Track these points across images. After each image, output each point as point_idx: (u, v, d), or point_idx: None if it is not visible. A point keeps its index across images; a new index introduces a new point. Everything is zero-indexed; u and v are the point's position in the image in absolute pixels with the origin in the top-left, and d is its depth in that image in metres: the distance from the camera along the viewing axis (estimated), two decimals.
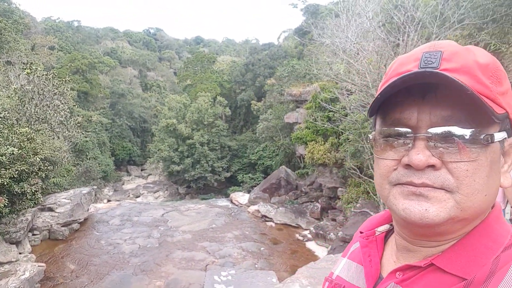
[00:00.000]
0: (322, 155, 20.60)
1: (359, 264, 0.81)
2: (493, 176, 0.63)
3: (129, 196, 30.26)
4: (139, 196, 30.53)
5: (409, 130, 0.64)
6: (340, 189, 21.18)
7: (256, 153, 30.90)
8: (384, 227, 0.83)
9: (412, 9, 13.78)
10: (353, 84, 15.39)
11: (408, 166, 0.64)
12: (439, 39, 13.65)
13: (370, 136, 0.74)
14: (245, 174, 30.63)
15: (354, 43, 14.88)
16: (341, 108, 16.94)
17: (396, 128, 0.66)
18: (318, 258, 17.63)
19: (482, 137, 0.60)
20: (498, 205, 0.69)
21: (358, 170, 16.73)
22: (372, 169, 15.12)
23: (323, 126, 19.53)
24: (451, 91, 0.61)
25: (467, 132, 0.60)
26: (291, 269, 16.61)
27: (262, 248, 18.32)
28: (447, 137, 0.61)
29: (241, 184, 29.63)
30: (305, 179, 24.93)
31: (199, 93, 32.42)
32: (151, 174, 36.94)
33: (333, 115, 18.51)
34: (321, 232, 19.32)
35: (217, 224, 20.96)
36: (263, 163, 30.11)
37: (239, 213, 23.24)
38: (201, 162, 29.64)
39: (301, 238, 19.97)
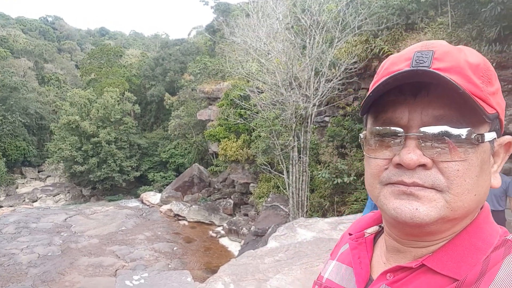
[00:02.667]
0: (234, 152, 20.90)
1: (349, 266, 0.80)
2: (483, 176, 0.63)
3: (24, 200, 27.42)
4: (36, 201, 27.80)
5: (400, 129, 0.64)
6: (252, 184, 21.73)
7: (168, 151, 30.17)
8: (373, 229, 0.81)
9: (317, 14, 14.64)
10: (264, 82, 15.86)
11: (399, 165, 0.63)
12: (340, 42, 14.77)
13: (361, 135, 0.73)
14: (156, 172, 29.73)
15: (265, 43, 15.32)
16: (252, 106, 17.36)
17: (387, 127, 0.65)
18: (232, 253, 17.95)
19: (473, 136, 0.61)
20: (486, 206, 0.70)
21: (269, 166, 17.31)
22: (282, 164, 15.81)
23: (235, 123, 19.81)
24: (443, 91, 0.61)
25: (458, 132, 0.61)
26: (205, 267, 16.63)
27: (175, 248, 18.04)
28: (438, 137, 0.61)
29: (152, 183, 28.72)
30: (218, 176, 25.06)
31: (105, 88, 30.53)
32: (50, 176, 33.86)
33: (245, 112, 18.89)
34: (234, 227, 19.65)
35: (127, 226, 20.07)
36: (175, 161, 29.51)
37: (151, 213, 22.52)
38: (108, 162, 28.01)
39: (214, 234, 20.09)
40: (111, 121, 29.07)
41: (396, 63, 0.67)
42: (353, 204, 12.85)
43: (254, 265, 5.29)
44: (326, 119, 17.90)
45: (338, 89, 15.30)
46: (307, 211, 15.15)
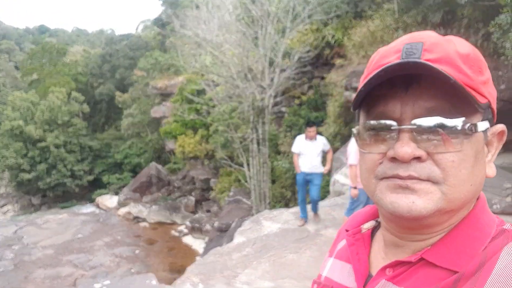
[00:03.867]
0: (192, 148, 20.54)
1: (347, 263, 0.79)
2: (478, 166, 0.63)
3: None
4: None
5: (394, 122, 0.63)
6: (212, 180, 21.49)
7: (122, 151, 29.11)
8: (370, 224, 0.81)
9: (267, 4, 14.56)
10: (218, 75, 15.63)
11: (393, 159, 0.63)
12: (292, 32, 14.82)
13: (354, 130, 0.72)
14: (111, 175, 28.59)
15: (217, 35, 15.05)
16: (208, 100, 17.08)
17: (380, 121, 0.64)
18: (196, 251, 17.70)
19: (466, 127, 0.60)
20: (483, 196, 0.70)
21: (229, 160, 17.17)
22: (242, 157, 15.70)
23: (192, 119, 19.44)
24: (434, 82, 0.60)
25: (451, 123, 0.60)
26: (170, 268, 16.27)
27: (137, 251, 17.51)
28: (431, 128, 0.60)
29: (108, 186, 27.59)
30: (177, 174, 24.56)
31: (50, 88, 28.79)
32: None
33: (201, 107, 18.56)
34: (197, 225, 19.36)
35: (84, 233, 19.20)
36: (130, 162, 28.54)
37: (109, 218, 21.68)
38: (58, 167, 26.55)
39: (177, 234, 19.71)
40: (58, 124, 27.55)
41: (386, 56, 0.66)
42: None
43: (222, 262, 5.16)
44: (283, 109, 17.98)
45: (293, 78, 15.39)
46: (269, 202, 15.19)
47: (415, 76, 0.61)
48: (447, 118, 0.60)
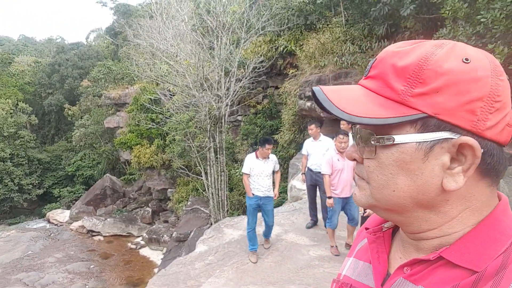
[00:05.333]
0: (149, 158, 20.23)
1: (366, 262, 0.81)
2: (403, 175, 0.64)
3: None
4: None
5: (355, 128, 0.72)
6: (169, 190, 21.25)
7: (74, 163, 28.00)
8: (391, 223, 0.81)
9: (222, 15, 14.82)
10: (174, 85, 15.62)
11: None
12: (246, 43, 15.17)
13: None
14: (62, 188, 27.40)
15: (172, 45, 15.07)
16: (165, 109, 16.97)
17: (352, 127, 0.74)
18: (154, 263, 17.40)
19: (372, 138, 0.65)
20: (505, 198, 0.70)
21: (186, 169, 17.11)
22: (200, 166, 15.75)
23: (148, 129, 19.20)
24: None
25: (361, 133, 0.67)
26: (127, 281, 15.89)
27: (92, 266, 16.93)
28: (358, 136, 0.69)
29: (59, 200, 26.40)
30: (133, 185, 24.02)
31: None
32: None
33: (157, 116, 18.39)
34: (154, 236, 19.04)
35: (34, 250, 18.27)
36: (82, 174, 27.51)
37: (60, 233, 20.76)
38: (4, 181, 25.04)
39: (134, 246, 19.26)
40: (4, 136, 26.05)
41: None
42: None
43: (185, 272, 5.24)
44: (239, 118, 18.26)
45: (249, 87, 15.72)
46: (228, 210, 15.33)
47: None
48: (363, 128, 0.67)
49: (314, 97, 0.68)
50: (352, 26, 12.62)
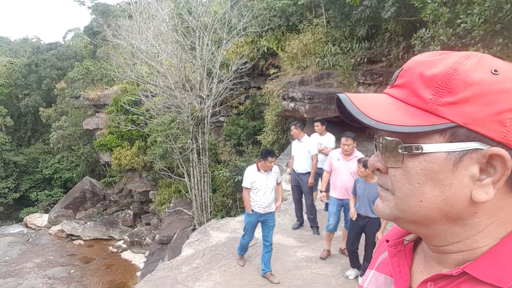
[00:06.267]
0: (129, 160, 19.94)
1: (388, 276, 0.79)
2: (431, 185, 0.63)
3: None
4: None
5: (377, 137, 0.71)
6: (151, 192, 21.00)
7: (51, 166, 27.36)
8: (413, 235, 0.79)
9: (203, 16, 14.73)
10: (155, 85, 15.42)
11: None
12: (228, 44, 15.12)
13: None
14: (40, 191, 26.76)
15: (152, 45, 14.88)
16: (145, 111, 16.76)
17: (375, 136, 0.73)
18: (136, 266, 17.19)
19: (399, 147, 0.64)
20: None
21: (168, 171, 16.93)
22: (182, 167, 15.62)
23: (128, 130, 18.91)
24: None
25: (387, 142, 0.66)
26: (109, 285, 15.65)
27: (72, 271, 16.59)
28: (382, 145, 0.67)
29: (36, 203, 25.77)
30: (113, 187, 23.63)
31: None
32: None
33: (138, 118, 18.14)
34: (136, 239, 18.79)
35: (11, 255, 17.78)
36: (61, 177, 26.91)
37: (39, 237, 20.25)
38: None
39: (115, 250, 18.96)
40: None
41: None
42: None
43: (172, 277, 5.19)
44: (221, 119, 18.21)
45: (231, 88, 15.67)
46: (211, 212, 15.26)
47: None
48: (388, 137, 0.65)
49: (338, 104, 0.68)
50: (333, 28, 12.77)
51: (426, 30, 7.49)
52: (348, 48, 11.79)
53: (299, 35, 13.79)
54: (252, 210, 5.05)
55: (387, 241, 0.82)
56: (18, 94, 30.95)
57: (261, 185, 5.02)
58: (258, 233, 6.24)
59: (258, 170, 5.03)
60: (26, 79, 30.73)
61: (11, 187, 26.38)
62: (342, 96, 0.67)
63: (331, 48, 12.26)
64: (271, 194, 5.12)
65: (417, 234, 0.73)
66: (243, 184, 5.11)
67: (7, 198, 25.76)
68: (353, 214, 4.63)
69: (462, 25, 6.25)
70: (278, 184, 5.27)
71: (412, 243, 0.79)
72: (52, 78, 29.77)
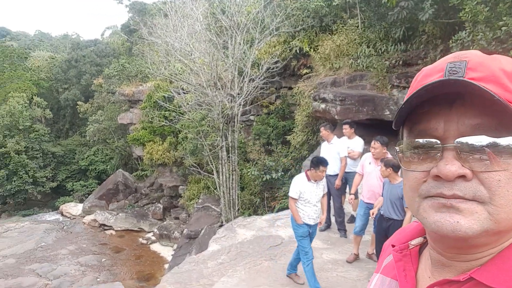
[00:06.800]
0: (161, 155, 20.43)
1: (393, 279, 0.77)
2: None
3: None
4: None
5: (437, 140, 0.63)
6: (181, 187, 21.43)
7: (87, 158, 28.41)
8: (418, 240, 0.78)
9: (237, 15, 14.88)
10: (188, 83, 15.74)
11: (437, 177, 0.62)
12: (260, 43, 15.21)
13: (397, 148, 0.71)
14: (76, 182, 27.84)
15: (186, 44, 15.19)
16: (178, 107, 17.12)
17: (423, 139, 0.64)
18: (165, 259, 17.59)
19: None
20: None
21: (198, 167, 17.24)
22: (211, 164, 15.87)
23: (161, 126, 19.38)
24: (478, 100, 0.60)
25: (496, 141, 0.59)
26: (137, 276, 16.11)
27: (103, 259, 17.19)
28: (476, 147, 0.59)
29: (72, 193, 26.85)
30: (145, 181, 24.27)
31: (10, 93, 27.74)
32: None
33: (170, 114, 18.56)
34: (165, 232, 19.24)
35: (47, 241, 18.62)
36: (95, 169, 27.91)
37: (73, 226, 21.11)
38: (19, 173, 25.53)
39: (145, 241, 19.49)
40: (19, 129, 26.54)
41: (430, 74, 0.67)
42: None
43: (198, 271, 5.32)
44: (252, 118, 18.33)
45: (262, 87, 15.76)
46: (238, 209, 15.41)
47: (458, 94, 0.61)
48: (492, 136, 0.59)
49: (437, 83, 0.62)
50: (368, 29, 12.58)
51: (465, 33, 7.27)
52: (383, 50, 11.58)
53: (332, 36, 13.67)
54: (304, 222, 4.75)
55: (393, 246, 0.81)
56: (58, 88, 32.32)
57: (311, 196, 4.73)
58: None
59: (308, 180, 4.72)
60: (66, 74, 32.05)
61: (48, 177, 27.57)
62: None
63: (365, 50, 12.07)
64: (319, 204, 4.90)
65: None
66: (290, 194, 4.79)
67: (44, 187, 26.95)
68: (371, 214, 4.61)
69: (503, 28, 6.01)
70: (323, 195, 4.97)
71: (418, 247, 0.78)
72: (91, 74, 30.94)
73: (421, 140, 0.65)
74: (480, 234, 0.60)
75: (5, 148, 25.29)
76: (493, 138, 0.59)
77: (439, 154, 0.62)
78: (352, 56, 12.51)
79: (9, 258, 16.62)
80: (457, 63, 0.63)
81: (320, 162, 4.68)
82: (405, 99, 0.67)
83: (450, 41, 7.93)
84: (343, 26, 13.57)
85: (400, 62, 10.89)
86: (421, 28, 10.61)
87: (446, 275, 0.68)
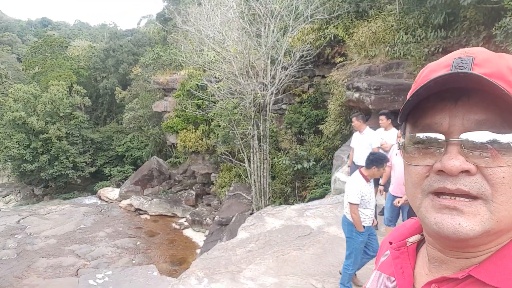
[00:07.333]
0: (194, 142, 20.73)
1: (391, 276, 0.77)
2: None
3: None
4: None
5: (441, 135, 0.62)
6: (213, 174, 21.73)
7: (123, 144, 29.35)
8: (415, 237, 0.78)
9: (271, 2, 14.70)
10: (221, 72, 15.79)
11: (441, 172, 0.61)
12: (294, 31, 14.98)
13: (399, 142, 0.71)
14: (113, 167, 28.88)
15: (219, 32, 15.19)
16: (210, 96, 17.25)
17: (427, 134, 0.64)
18: (197, 244, 17.99)
19: None
20: None
21: (229, 155, 17.37)
22: (243, 153, 15.94)
23: (193, 114, 19.64)
24: (485, 95, 0.59)
25: (501, 137, 0.58)
26: (170, 260, 16.57)
27: (138, 243, 17.79)
28: (481, 142, 0.59)
29: (109, 178, 27.89)
30: (178, 168, 24.79)
31: (50, 81, 28.94)
32: None
33: (203, 102, 18.74)
34: (197, 218, 19.64)
35: (86, 224, 19.47)
36: (131, 155, 28.80)
37: (110, 209, 21.96)
38: (60, 158, 26.77)
39: (178, 226, 19.99)
40: (60, 116, 27.72)
41: (436, 70, 0.66)
42: (314, 189, 13.26)
43: (226, 258, 5.38)
44: (283, 106, 18.20)
45: (294, 76, 15.57)
46: (269, 198, 15.45)
47: (464, 90, 0.61)
48: (498, 132, 0.58)
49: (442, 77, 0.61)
50: (406, 14, 12.09)
51: (509, 19, 6.84)
52: (421, 37, 11.11)
53: (368, 22, 13.26)
54: (363, 226, 4.37)
55: (390, 243, 0.81)
56: (97, 77, 33.42)
57: (371, 197, 4.38)
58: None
59: (367, 180, 4.35)
60: (104, 63, 33.04)
61: (88, 162, 28.74)
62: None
63: (402, 37, 11.63)
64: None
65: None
66: (352, 201, 4.31)
67: (84, 171, 28.13)
68: (396, 203, 4.47)
69: None
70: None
71: (415, 245, 0.78)
72: (128, 62, 31.75)
73: (425, 135, 0.64)
74: (481, 235, 0.60)
75: (47, 134, 26.52)
76: (497, 134, 0.59)
77: (443, 149, 0.62)
78: (388, 43, 12.09)
79: (51, 238, 17.52)
80: (464, 59, 0.63)
81: (383, 160, 4.37)
82: (411, 93, 0.67)
83: (494, 28, 7.49)
84: (380, 12, 13.12)
85: (440, 50, 10.42)
86: (463, 13, 10.08)
87: (444, 272, 0.68)
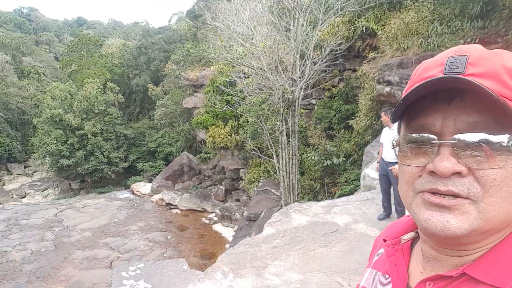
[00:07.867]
0: (223, 138, 20.87)
1: (385, 274, 0.77)
2: None
3: (12, 197, 26.99)
4: (24, 197, 27.41)
5: (434, 136, 0.62)
6: (242, 170, 21.82)
7: (155, 140, 29.98)
8: (410, 235, 0.78)
9: None
10: (249, 67, 15.76)
11: (433, 173, 0.61)
12: (324, 24, 14.71)
13: (393, 141, 0.71)
14: (145, 162, 29.59)
15: (248, 27, 15.15)
16: (239, 91, 17.26)
17: (420, 134, 0.64)
18: (226, 239, 18.14)
19: (510, 144, 0.58)
20: None
21: (258, 151, 17.35)
22: (271, 148, 15.88)
23: (223, 110, 19.74)
24: (477, 97, 0.59)
25: (493, 139, 0.58)
26: (200, 254, 16.80)
27: (169, 237, 18.14)
28: (474, 144, 0.59)
29: (142, 173, 28.60)
30: (208, 163, 25.06)
31: (86, 79, 29.95)
32: (37, 171, 33.22)
33: (232, 98, 18.81)
34: (226, 213, 19.80)
35: (119, 217, 20.05)
36: (163, 150, 29.39)
37: (142, 204, 22.51)
38: (95, 154, 27.71)
39: (207, 221, 20.23)
40: (95, 113, 28.65)
41: (430, 68, 0.66)
42: (343, 185, 13.03)
43: (252, 253, 5.36)
44: (313, 101, 17.96)
45: (324, 71, 15.32)
46: (298, 194, 15.33)
47: (458, 90, 0.61)
48: (490, 133, 0.58)
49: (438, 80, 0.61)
50: (441, 5, 11.60)
51: None
52: (457, 28, 10.62)
53: (401, 13, 12.82)
54: None
55: (384, 240, 0.81)
56: (129, 74, 34.25)
57: None
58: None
59: None
60: (137, 60, 33.80)
61: (121, 157, 29.59)
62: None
63: (437, 28, 11.15)
64: None
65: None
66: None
67: (117, 166, 28.98)
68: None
69: None
70: None
71: (410, 242, 0.78)
72: (160, 60, 32.35)
73: (418, 135, 0.65)
74: (469, 234, 0.60)
75: (83, 130, 27.48)
76: (489, 136, 0.59)
77: (435, 150, 0.62)
78: (422, 35, 11.64)
79: (86, 231, 18.17)
80: (458, 58, 0.63)
81: None
82: (404, 93, 0.66)
83: None
84: (413, 3, 12.67)
85: (477, 41, 9.90)
86: (502, 1, 9.56)
87: (438, 270, 0.68)
